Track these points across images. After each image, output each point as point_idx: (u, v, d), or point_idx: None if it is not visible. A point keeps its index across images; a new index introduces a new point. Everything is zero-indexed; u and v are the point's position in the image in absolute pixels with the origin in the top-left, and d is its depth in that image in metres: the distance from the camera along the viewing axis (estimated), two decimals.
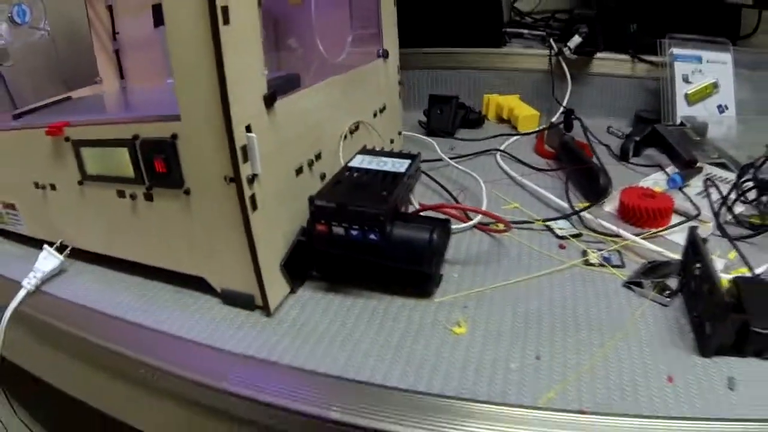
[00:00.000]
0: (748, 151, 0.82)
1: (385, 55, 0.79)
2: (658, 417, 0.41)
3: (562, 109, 1.02)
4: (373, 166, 0.56)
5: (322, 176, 0.62)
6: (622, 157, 0.88)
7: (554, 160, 0.87)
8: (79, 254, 0.67)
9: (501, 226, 0.64)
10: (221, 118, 0.47)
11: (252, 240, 0.51)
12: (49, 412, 0.93)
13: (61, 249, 0.67)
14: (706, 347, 0.47)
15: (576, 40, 1.01)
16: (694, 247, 0.54)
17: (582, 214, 0.68)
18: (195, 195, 0.54)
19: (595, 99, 1.08)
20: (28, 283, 0.63)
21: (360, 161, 0.57)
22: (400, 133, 0.89)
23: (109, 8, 1.02)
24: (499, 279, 0.57)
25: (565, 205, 0.71)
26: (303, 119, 0.59)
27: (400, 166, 0.56)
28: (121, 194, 0.60)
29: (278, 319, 0.54)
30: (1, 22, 0.97)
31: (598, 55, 1.06)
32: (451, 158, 0.84)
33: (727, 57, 0.99)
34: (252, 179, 0.49)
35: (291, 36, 0.92)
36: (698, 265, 0.52)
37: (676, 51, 0.98)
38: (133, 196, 0.59)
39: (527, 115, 1.01)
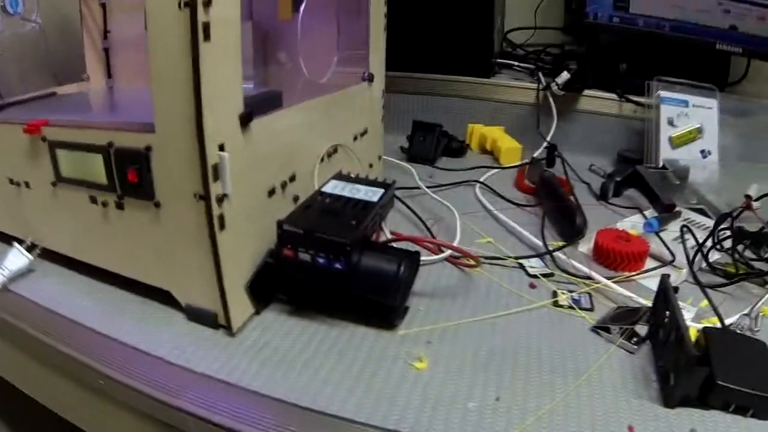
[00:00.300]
0: (727, 198, 0.83)
1: (370, 78, 0.79)
2: None
3: (545, 144, 1.02)
4: (346, 193, 0.56)
5: (295, 198, 0.61)
6: (602, 196, 0.88)
7: (533, 196, 0.87)
8: (49, 255, 0.66)
9: (471, 261, 0.64)
10: (194, 135, 0.47)
11: (218, 259, 0.50)
12: (10, 412, 0.91)
13: (31, 248, 0.66)
14: (669, 398, 0.46)
15: (564, 76, 1.02)
16: (665, 294, 0.54)
17: (555, 253, 0.68)
18: (165, 208, 0.53)
19: (580, 136, 1.09)
20: None
21: (333, 187, 0.57)
22: (380, 158, 0.89)
23: (103, 6, 1.02)
24: (465, 315, 0.57)
25: (540, 243, 0.71)
26: (280, 139, 0.59)
27: (373, 194, 0.56)
28: (93, 200, 0.60)
29: (240, 340, 0.53)
30: None
31: (586, 92, 1.07)
32: (428, 187, 0.84)
33: (713, 102, 1.00)
34: (222, 198, 0.49)
35: (278, 52, 0.93)
36: (667, 313, 0.52)
37: (663, 94, 0.99)
38: (104, 204, 0.59)
39: (510, 148, 1.01)
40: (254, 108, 0.52)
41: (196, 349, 0.52)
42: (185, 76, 0.46)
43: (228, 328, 0.54)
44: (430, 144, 0.99)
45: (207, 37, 0.45)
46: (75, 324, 0.56)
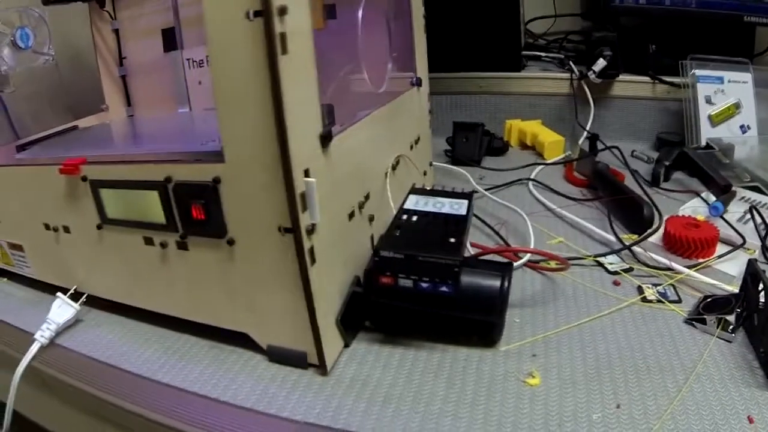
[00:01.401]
0: None
1: (418, 83, 0.79)
2: None
3: (585, 134, 1.03)
4: (430, 208, 0.55)
5: (371, 218, 0.60)
6: (653, 182, 0.88)
7: (587, 188, 0.87)
8: (94, 301, 0.63)
9: (553, 264, 0.64)
10: (277, 162, 0.43)
11: (310, 295, 0.47)
12: None
13: (75, 296, 0.63)
14: None
15: (601, 63, 1.02)
16: (755, 279, 0.55)
17: (632, 247, 0.68)
18: (240, 246, 0.50)
19: (617, 122, 1.10)
20: (42, 335, 0.59)
21: (415, 203, 0.56)
22: (431, 164, 0.89)
23: (116, 32, 1.01)
24: (561, 322, 0.57)
25: (610, 237, 0.71)
26: (354, 157, 0.56)
27: (459, 207, 0.56)
28: (148, 241, 0.56)
29: (336, 378, 0.51)
30: (3, 47, 0.94)
31: (619, 77, 1.08)
32: (485, 189, 0.85)
33: (747, 77, 1.00)
34: (311, 230, 0.46)
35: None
36: (762, 297, 0.52)
37: (698, 72, 0.99)
38: (163, 245, 0.55)
39: (553, 141, 1.01)
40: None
41: (288, 393, 0.49)
42: (260, 95, 0.42)
43: (321, 367, 0.51)
44: (473, 144, 1.00)
45: (285, 50, 0.41)
46: (141, 378, 0.53)
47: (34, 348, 0.58)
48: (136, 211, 0.55)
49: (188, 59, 0.94)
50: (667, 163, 0.90)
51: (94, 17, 1.00)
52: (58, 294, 0.62)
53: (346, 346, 0.55)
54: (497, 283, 0.49)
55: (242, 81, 0.43)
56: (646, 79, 1.07)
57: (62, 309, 0.62)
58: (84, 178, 0.57)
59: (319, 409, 0.47)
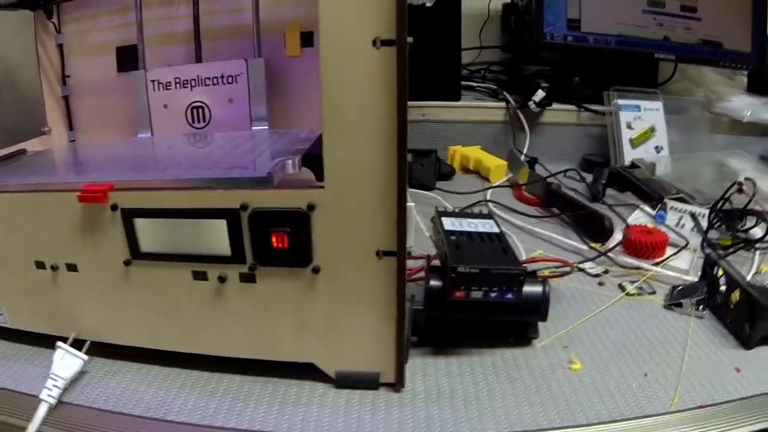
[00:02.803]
0: (692, 185, 1.07)
1: None
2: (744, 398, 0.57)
3: (523, 157, 1.22)
4: (466, 228, 0.66)
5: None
6: (594, 198, 1.07)
7: (540, 207, 1.05)
8: (95, 349, 0.60)
9: (548, 272, 0.79)
10: (389, 186, 0.47)
11: (403, 316, 0.52)
12: None
13: (75, 344, 0.58)
14: (749, 341, 0.64)
15: (540, 94, 1.22)
16: (712, 267, 0.73)
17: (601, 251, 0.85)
18: (326, 273, 0.52)
19: (546, 146, 1.29)
20: (49, 395, 0.53)
21: (451, 224, 0.66)
22: None
23: (60, 47, 0.96)
24: (574, 318, 0.70)
25: (581, 246, 0.87)
26: None
27: (491, 226, 0.67)
28: (199, 276, 0.55)
29: (411, 392, 0.56)
30: None
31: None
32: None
33: (659, 104, 1.24)
34: (410, 252, 0.53)
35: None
36: (722, 281, 0.70)
37: (620, 102, 1.22)
38: (222, 278, 0.55)
39: (498, 165, 1.18)
40: None
41: (372, 414, 0.53)
42: (380, 122, 0.46)
43: (398, 384, 0.56)
44: (429, 170, 1.13)
45: (406, 79, 0.46)
46: (198, 428, 0.52)
47: (41, 411, 0.53)
48: (187, 244, 0.54)
49: (153, 81, 0.90)
50: (603, 181, 1.10)
51: (39, 29, 0.94)
52: (59, 344, 0.57)
53: (405, 362, 0.58)
54: (540, 288, 0.61)
55: (360, 108, 0.46)
56: (572, 107, 1.29)
57: (66, 360, 0.57)
58: (114, 207, 0.54)
59: (411, 423, 0.52)
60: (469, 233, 0.65)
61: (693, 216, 0.92)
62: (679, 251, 0.85)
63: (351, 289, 0.53)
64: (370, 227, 0.50)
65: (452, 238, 0.64)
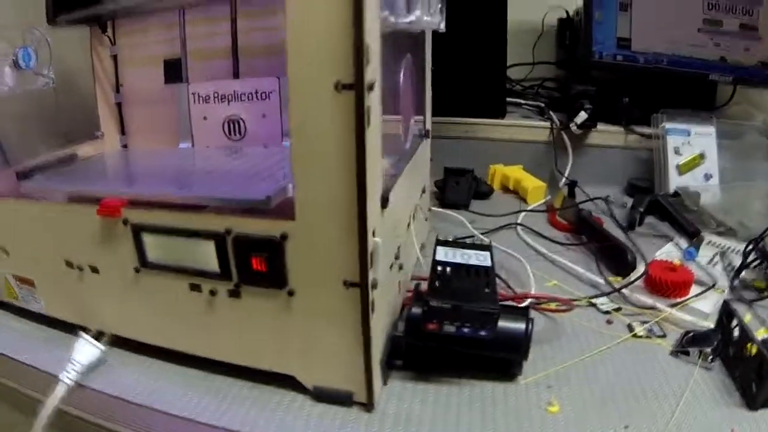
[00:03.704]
0: (737, 217, 1.02)
1: (427, 135, 0.91)
2: None
3: (564, 180, 1.20)
4: (458, 259, 0.67)
5: (401, 267, 0.71)
6: (629, 227, 1.04)
7: (570, 233, 1.03)
8: (118, 341, 0.68)
9: (553, 305, 0.79)
10: (352, 224, 0.50)
11: (368, 342, 0.55)
12: None
13: (98, 336, 0.67)
14: (754, 402, 0.61)
15: (583, 116, 1.19)
16: (729, 316, 0.70)
17: (615, 286, 0.83)
18: (300, 297, 0.56)
19: (591, 168, 1.26)
20: (67, 377, 0.62)
21: (444, 254, 0.68)
22: (429, 209, 1.01)
23: (114, 57, 1.05)
24: (567, 357, 0.69)
25: (599, 280, 0.85)
26: (394, 214, 0.64)
27: (484, 258, 0.68)
28: (195, 288, 0.61)
29: (380, 413, 0.59)
30: (5, 65, 0.97)
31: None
32: (480, 233, 0.99)
33: (711, 129, 1.19)
34: (375, 284, 0.54)
35: None
36: (735, 332, 0.67)
37: (668, 125, 1.17)
38: (213, 292, 0.60)
39: (535, 187, 1.17)
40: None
41: (339, 429, 0.57)
42: (342, 163, 0.49)
43: (369, 405, 0.59)
44: (463, 189, 1.14)
45: (368, 122, 0.48)
46: (186, 420, 0.58)
47: (60, 390, 0.61)
48: (185, 258, 0.60)
49: (194, 93, 0.97)
50: (641, 210, 1.06)
51: (95, 41, 1.04)
52: (81, 333, 0.66)
53: (384, 384, 0.63)
54: (523, 326, 0.62)
55: (325, 148, 0.49)
56: (620, 129, 1.25)
57: (86, 349, 0.65)
58: (125, 222, 0.62)
59: None
60: (458, 265, 0.67)
61: (724, 254, 0.88)
62: (701, 293, 0.82)
63: (323, 313, 0.57)
64: (337, 259, 0.53)
65: (438, 269, 0.66)
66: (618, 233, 0.97)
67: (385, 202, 0.57)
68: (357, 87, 0.47)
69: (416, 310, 0.62)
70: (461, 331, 0.59)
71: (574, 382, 0.66)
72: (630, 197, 1.18)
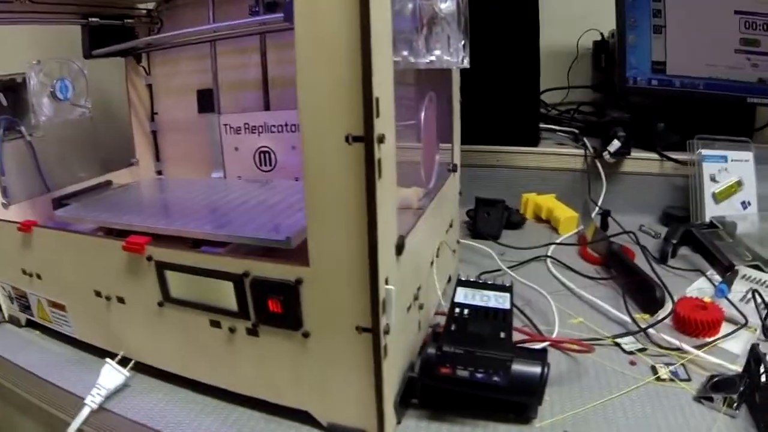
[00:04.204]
0: None
1: (454, 169, 0.92)
2: None
3: (596, 209, 1.20)
4: (477, 302, 0.68)
5: (420, 306, 0.72)
6: (662, 259, 1.03)
7: (601, 266, 1.03)
8: (141, 366, 0.72)
9: (575, 346, 0.79)
10: (363, 272, 0.52)
11: (380, 383, 0.57)
12: None
13: (122, 362, 0.71)
14: None
15: (616, 144, 1.19)
16: (757, 361, 0.69)
17: (641, 325, 0.82)
18: (315, 339, 0.59)
19: (625, 196, 1.26)
20: (92, 401, 0.66)
21: (464, 296, 0.69)
22: (458, 242, 1.02)
23: (149, 87, 1.12)
24: (586, 400, 0.69)
25: (626, 318, 0.85)
26: (413, 257, 0.65)
27: (503, 300, 0.69)
28: (215, 324, 0.65)
29: None
30: (43, 97, 1.03)
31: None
32: (508, 267, 1.00)
33: (749, 155, 1.17)
34: (387, 330, 0.56)
35: None
36: (763, 378, 0.67)
37: (704, 152, 1.16)
38: (232, 329, 0.64)
39: (568, 218, 1.17)
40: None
41: None
42: (353, 214, 0.50)
43: None
44: (494, 220, 1.15)
45: (380, 173, 0.50)
46: None
47: (84, 413, 0.66)
48: (206, 296, 0.64)
49: (225, 124, 1.02)
50: (674, 241, 1.05)
51: (130, 71, 1.11)
52: (107, 360, 0.71)
53: (398, 423, 0.64)
54: (538, 370, 0.63)
55: (336, 199, 0.51)
56: (655, 156, 1.24)
57: (111, 374, 0.70)
58: (149, 258, 0.66)
59: None
60: (477, 308, 0.67)
61: (757, 292, 0.86)
62: (732, 332, 0.81)
63: (337, 355, 0.59)
64: (350, 305, 0.55)
65: (456, 311, 0.67)
66: (648, 267, 0.96)
67: (400, 249, 0.59)
68: (367, 140, 0.49)
69: (431, 351, 0.64)
70: (475, 376, 0.61)
71: (591, 427, 0.66)
72: (665, 226, 1.17)
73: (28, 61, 1.01)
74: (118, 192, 1.03)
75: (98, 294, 0.74)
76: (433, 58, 0.69)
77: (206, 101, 1.08)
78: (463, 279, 0.73)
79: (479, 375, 0.61)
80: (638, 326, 0.83)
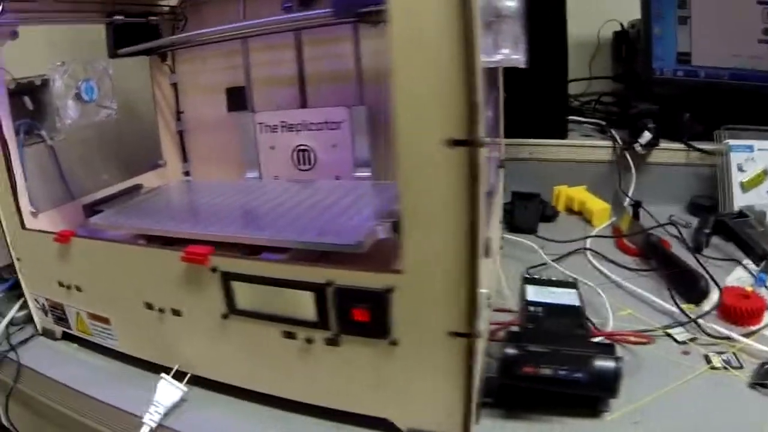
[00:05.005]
0: None
1: (502, 165, 0.95)
2: None
3: (628, 200, 1.24)
4: (548, 299, 0.72)
5: (488, 305, 0.75)
6: (696, 249, 1.08)
7: (639, 258, 1.08)
8: (196, 379, 0.72)
9: (633, 338, 0.83)
10: (462, 277, 0.53)
11: (470, 388, 0.58)
12: None
13: (177, 375, 0.71)
14: None
15: (647, 136, 1.24)
16: None
17: (691, 316, 0.87)
18: (403, 347, 0.59)
19: (652, 186, 1.30)
20: (151, 419, 0.66)
21: (534, 294, 0.73)
22: (503, 238, 1.06)
23: (174, 86, 1.11)
24: (648, 391, 0.73)
25: (672, 308, 0.90)
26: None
27: (572, 297, 0.73)
28: (288, 335, 0.64)
29: None
30: (68, 99, 1.02)
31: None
32: (551, 260, 1.04)
33: None
34: (479, 334, 0.56)
35: None
36: None
37: (731, 142, 1.21)
38: (309, 340, 0.63)
39: (600, 209, 1.21)
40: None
41: None
42: (451, 217, 0.51)
43: None
44: (532, 213, 1.19)
45: (479, 178, 0.50)
46: None
47: None
48: (278, 307, 0.63)
49: (260, 123, 1.02)
50: (707, 231, 1.11)
51: (154, 70, 1.11)
52: (163, 376, 0.70)
53: (476, 422, 0.64)
54: (613, 364, 0.66)
55: (435, 203, 0.51)
56: (681, 146, 1.29)
57: (168, 390, 0.69)
58: (214, 269, 0.64)
59: None
60: (549, 306, 0.71)
61: None
62: None
63: (425, 362, 0.59)
64: (444, 311, 0.56)
65: (530, 309, 0.71)
66: (686, 257, 1.01)
67: (487, 250, 0.58)
68: (471, 144, 0.49)
69: (510, 351, 0.67)
70: (558, 374, 0.64)
71: (657, 418, 0.70)
72: (692, 216, 1.22)
73: (45, 63, 1.01)
74: (152, 196, 1.01)
75: (149, 306, 0.73)
76: (501, 56, 0.71)
77: (237, 99, 1.07)
78: (528, 276, 0.77)
79: (562, 372, 0.64)
80: (688, 317, 0.87)
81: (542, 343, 0.65)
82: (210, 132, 1.13)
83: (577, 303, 0.72)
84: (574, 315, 0.70)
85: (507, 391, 0.70)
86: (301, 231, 0.74)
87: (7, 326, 0.94)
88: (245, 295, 0.64)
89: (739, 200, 1.20)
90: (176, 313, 0.71)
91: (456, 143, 0.49)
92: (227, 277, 0.64)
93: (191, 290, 0.67)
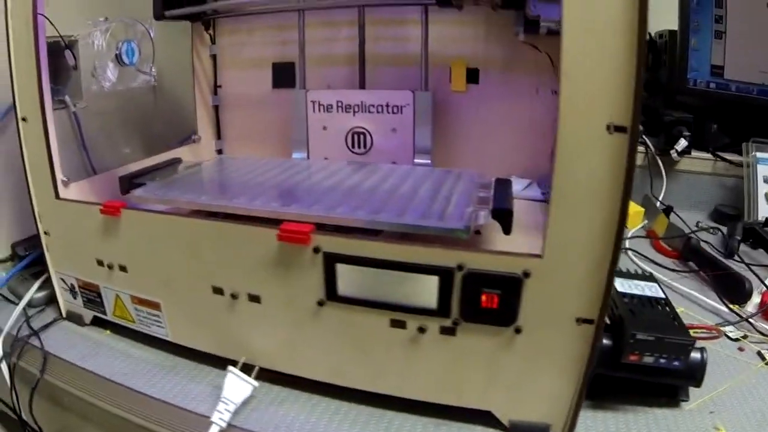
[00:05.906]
0: None
1: None
2: None
3: (659, 205, 1.32)
4: (635, 291, 0.77)
5: None
6: (729, 255, 1.16)
7: (678, 260, 1.15)
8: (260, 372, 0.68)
9: (701, 333, 0.89)
10: (600, 262, 0.55)
11: (586, 375, 0.60)
12: None
13: (245, 369, 0.65)
14: None
15: (683, 143, 1.32)
16: None
17: (743, 315, 0.95)
18: (527, 333, 0.59)
19: (680, 193, 1.39)
20: (220, 418, 0.61)
21: (621, 286, 0.77)
22: None
23: (213, 57, 1.07)
24: (717, 383, 0.80)
25: (720, 307, 0.97)
26: None
27: (655, 289, 0.78)
28: (397, 324, 0.61)
29: None
30: (108, 60, 0.98)
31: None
32: None
33: None
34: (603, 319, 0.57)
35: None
36: None
37: (759, 154, 1.30)
38: (421, 329, 0.61)
39: (635, 212, 1.29)
40: None
41: None
42: (603, 202, 0.52)
43: None
44: None
45: (634, 165, 0.52)
46: None
47: None
48: (389, 293, 0.60)
49: (313, 101, 0.99)
50: (738, 238, 1.20)
51: (196, 39, 1.07)
52: (231, 369, 0.65)
53: None
54: (699, 354, 0.72)
55: (589, 188, 0.53)
56: (708, 156, 1.38)
57: (237, 385, 0.63)
58: (316, 250, 0.60)
59: None
60: (640, 297, 0.76)
61: None
62: None
63: (545, 350, 0.60)
64: (576, 296, 0.57)
65: (625, 300, 0.75)
66: (733, 262, 1.09)
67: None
68: (632, 130, 0.51)
69: (607, 341, 0.70)
70: (659, 362, 0.68)
71: (730, 408, 0.77)
72: (716, 223, 1.31)
73: (75, 23, 0.95)
74: (196, 171, 0.94)
75: (218, 291, 0.67)
76: None
77: (284, 75, 1.06)
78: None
79: (663, 360, 0.68)
80: (740, 316, 0.95)
81: (645, 332, 0.68)
82: (249, 108, 1.11)
83: (662, 295, 0.77)
84: (663, 305, 0.75)
85: (596, 385, 0.72)
86: (399, 213, 0.69)
87: (25, 308, 0.85)
88: (351, 279, 0.60)
89: (764, 210, 1.28)
90: (254, 299, 0.66)
91: (616, 129, 0.51)
92: (331, 259, 0.60)
93: (280, 273, 0.63)
